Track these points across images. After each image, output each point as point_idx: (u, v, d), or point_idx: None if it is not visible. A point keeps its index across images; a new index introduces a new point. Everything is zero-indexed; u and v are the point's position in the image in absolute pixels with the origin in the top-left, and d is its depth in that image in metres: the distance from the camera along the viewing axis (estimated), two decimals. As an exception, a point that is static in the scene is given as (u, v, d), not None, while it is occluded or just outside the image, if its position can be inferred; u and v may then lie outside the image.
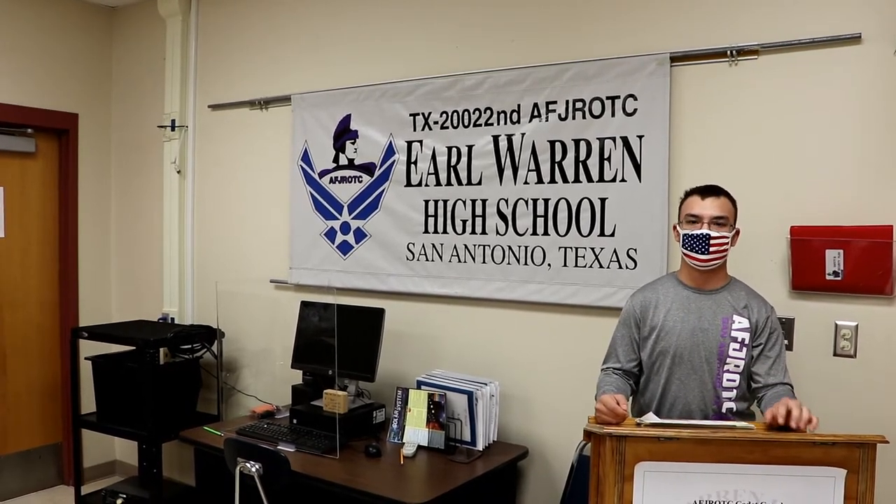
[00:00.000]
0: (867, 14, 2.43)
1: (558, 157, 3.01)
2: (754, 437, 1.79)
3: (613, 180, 2.89)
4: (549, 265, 3.04)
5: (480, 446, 2.93)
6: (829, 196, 2.51)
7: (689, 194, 2.32)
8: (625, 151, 2.86)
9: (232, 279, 4.04)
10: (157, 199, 4.39)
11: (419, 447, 2.94)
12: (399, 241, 3.44)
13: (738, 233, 2.29)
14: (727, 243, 2.24)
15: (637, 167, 2.84)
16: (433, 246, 3.34)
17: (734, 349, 2.24)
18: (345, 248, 3.63)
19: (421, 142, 3.36)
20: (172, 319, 4.25)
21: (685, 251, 2.27)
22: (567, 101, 2.98)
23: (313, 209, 3.73)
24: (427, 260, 3.36)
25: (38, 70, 4.32)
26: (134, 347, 3.78)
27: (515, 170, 3.11)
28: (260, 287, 3.98)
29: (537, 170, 3.05)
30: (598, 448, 1.86)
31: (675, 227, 2.35)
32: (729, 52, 2.65)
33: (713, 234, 2.20)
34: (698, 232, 2.21)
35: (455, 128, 3.26)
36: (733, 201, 2.29)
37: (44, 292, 4.48)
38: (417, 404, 3.01)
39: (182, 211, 4.28)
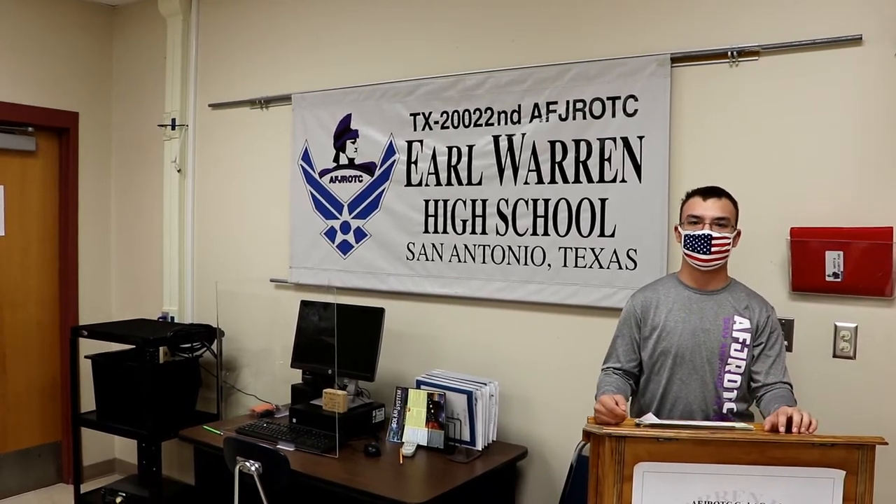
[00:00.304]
0: (868, 15, 2.43)
1: (559, 158, 3.01)
2: (753, 438, 1.80)
3: (614, 181, 2.89)
4: (549, 265, 3.04)
5: (480, 446, 2.94)
6: (829, 197, 2.51)
7: (690, 195, 2.32)
8: (625, 152, 2.86)
9: (232, 278, 4.04)
10: (158, 198, 4.39)
11: (418, 447, 2.94)
12: (399, 241, 3.44)
13: (739, 234, 2.30)
14: (729, 244, 2.24)
15: (637, 168, 2.84)
16: (433, 246, 3.34)
17: (735, 349, 2.24)
18: (345, 248, 3.63)
19: (421, 142, 3.36)
20: (172, 318, 4.25)
21: (687, 252, 2.28)
22: (567, 102, 2.98)
23: (313, 208, 3.73)
24: (427, 260, 3.36)
25: (38, 69, 4.32)
26: (134, 346, 3.78)
27: (516, 170, 3.11)
28: (260, 286, 3.98)
29: (537, 170, 3.05)
30: (598, 448, 1.87)
31: (676, 228, 2.36)
32: (729, 53, 2.65)
33: (715, 234, 2.21)
34: (700, 232, 2.22)
35: (455, 128, 3.26)
36: (735, 203, 2.30)
37: (44, 291, 4.48)
38: (417, 404, 3.01)
39: (182, 210, 4.28)
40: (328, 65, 3.72)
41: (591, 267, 2.95)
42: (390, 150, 3.46)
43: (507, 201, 3.13)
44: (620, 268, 2.89)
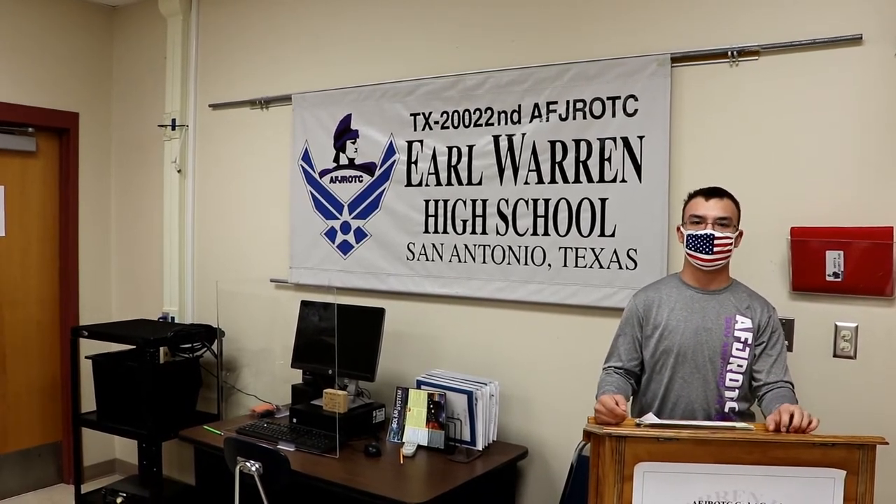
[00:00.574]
0: (868, 15, 2.43)
1: (559, 158, 3.01)
2: (754, 437, 1.79)
3: (614, 181, 2.89)
4: (549, 265, 3.04)
5: (480, 446, 2.94)
6: (829, 197, 2.51)
7: (692, 196, 2.33)
8: (625, 152, 2.86)
9: (232, 278, 4.04)
10: (158, 199, 4.39)
11: (419, 447, 2.94)
12: (399, 241, 3.44)
13: (741, 234, 2.31)
14: (731, 244, 2.25)
15: (637, 167, 2.84)
16: (433, 246, 3.34)
17: (737, 349, 2.25)
18: (345, 248, 3.63)
19: (421, 142, 3.36)
20: (173, 318, 4.25)
21: (689, 251, 2.28)
22: (568, 102, 2.98)
23: (313, 209, 3.73)
24: (427, 260, 3.36)
25: (38, 69, 4.32)
26: (134, 346, 3.78)
27: (516, 170, 3.11)
28: (260, 286, 3.98)
29: (538, 170, 3.05)
30: (598, 448, 1.87)
31: (678, 229, 2.37)
32: (729, 53, 2.65)
33: (717, 234, 2.21)
34: (702, 232, 2.23)
35: (455, 128, 3.26)
36: (737, 203, 2.30)
37: (44, 291, 4.48)
38: (417, 404, 3.01)
39: (182, 210, 4.28)
40: (328, 65, 3.72)
41: (591, 267, 2.95)
42: (390, 150, 3.46)
43: (507, 201, 3.13)
44: (621, 268, 2.88)
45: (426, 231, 3.35)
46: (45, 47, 4.33)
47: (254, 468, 2.65)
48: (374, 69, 3.53)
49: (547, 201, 3.04)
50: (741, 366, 2.25)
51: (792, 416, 1.88)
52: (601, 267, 2.93)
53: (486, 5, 3.21)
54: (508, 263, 3.14)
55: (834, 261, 2.45)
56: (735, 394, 2.26)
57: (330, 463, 2.80)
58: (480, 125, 3.19)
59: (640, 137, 2.83)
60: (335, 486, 2.62)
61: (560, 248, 3.01)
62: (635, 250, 2.85)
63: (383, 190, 3.49)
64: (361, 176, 3.56)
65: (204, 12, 4.24)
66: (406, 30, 3.46)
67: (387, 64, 3.50)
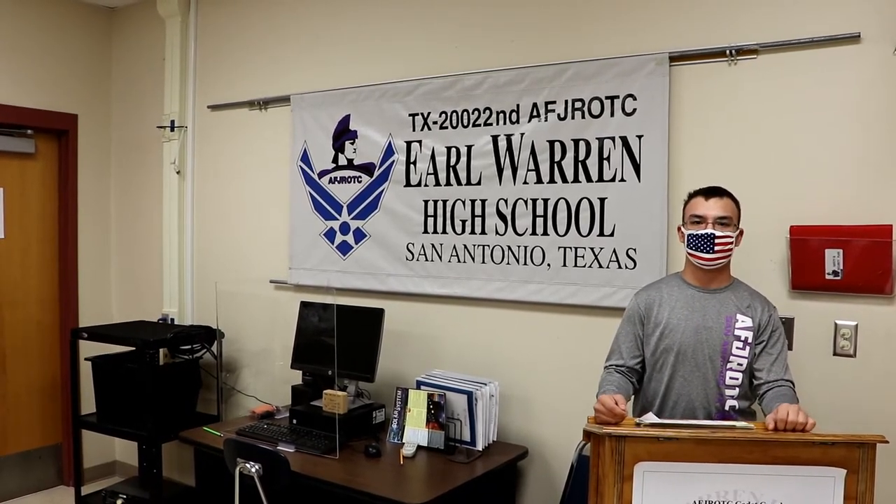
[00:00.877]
0: (867, 13, 2.42)
1: (557, 157, 3.00)
2: (753, 437, 1.79)
3: (613, 180, 2.89)
4: (548, 265, 3.04)
5: (480, 446, 2.93)
6: (828, 195, 2.50)
7: (692, 196, 2.34)
8: (624, 151, 2.86)
9: (232, 279, 4.04)
10: (157, 200, 4.38)
11: (419, 447, 2.94)
12: (398, 242, 3.44)
13: (741, 233, 2.31)
14: (731, 243, 2.26)
15: (636, 167, 2.83)
16: (433, 246, 3.34)
17: (737, 347, 2.25)
18: (344, 249, 3.63)
19: (420, 142, 3.36)
20: (172, 320, 4.25)
21: (690, 251, 2.29)
22: (566, 101, 2.98)
23: (312, 209, 3.73)
24: (427, 260, 3.36)
25: (37, 71, 4.32)
26: (134, 348, 3.77)
27: (515, 170, 3.10)
28: (260, 287, 3.98)
29: (536, 170, 3.05)
30: (598, 448, 1.87)
31: (679, 229, 2.37)
32: (728, 52, 2.64)
33: (717, 233, 2.22)
34: (703, 232, 2.24)
35: (454, 128, 3.26)
36: (737, 202, 2.31)
37: (44, 292, 4.48)
38: (417, 404, 3.01)
39: (182, 211, 4.28)
40: (327, 65, 3.71)
41: (590, 266, 2.95)
42: (389, 151, 3.45)
43: (506, 201, 3.13)
44: (620, 267, 2.88)
45: (425, 231, 3.35)
46: (43, 49, 4.33)
47: (254, 469, 2.65)
48: (372, 69, 3.53)
49: (546, 201, 3.04)
50: (741, 364, 2.26)
51: (788, 414, 1.88)
52: (600, 266, 2.92)
53: (485, 5, 3.21)
54: (508, 263, 3.14)
55: (833, 259, 2.45)
56: (735, 392, 2.26)
57: (330, 464, 2.80)
58: (479, 125, 3.19)
59: (639, 137, 2.82)
60: (335, 487, 2.62)
61: (559, 247, 3.01)
62: (634, 249, 2.85)
63: (382, 190, 3.48)
64: (360, 176, 3.56)
65: (202, 13, 4.24)
66: (405, 30, 3.46)
67: (385, 64, 3.50)
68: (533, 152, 3.06)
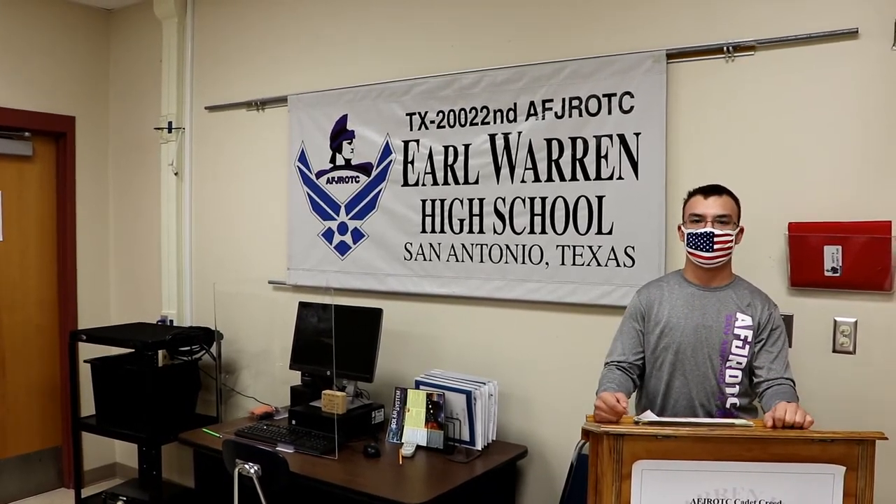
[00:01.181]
0: (864, 9, 2.41)
1: (555, 156, 3.00)
2: (752, 434, 1.78)
3: (610, 178, 2.88)
4: (546, 264, 3.03)
5: (479, 446, 2.93)
6: (827, 192, 2.50)
7: (692, 194, 2.34)
8: (622, 149, 2.85)
9: (230, 280, 4.03)
10: (155, 201, 4.38)
11: (418, 447, 2.93)
12: (397, 241, 3.43)
13: (742, 231, 2.31)
14: (731, 241, 2.25)
15: (634, 165, 2.83)
16: (431, 245, 3.33)
17: (737, 346, 2.25)
18: (342, 249, 3.62)
19: (417, 141, 3.35)
20: (171, 321, 4.24)
21: (690, 250, 2.29)
22: (563, 100, 2.97)
23: (310, 210, 3.72)
24: (425, 260, 3.35)
25: (34, 73, 4.31)
26: (133, 350, 3.76)
27: (512, 168, 3.10)
28: (258, 288, 3.98)
29: (534, 168, 3.04)
30: (596, 447, 1.86)
31: (679, 228, 2.37)
32: (725, 49, 2.63)
33: (717, 232, 2.22)
34: (702, 230, 2.24)
35: (452, 127, 3.25)
36: (736, 200, 2.30)
37: (43, 295, 4.48)
38: (416, 404, 3.00)
39: (180, 213, 4.27)
40: (324, 65, 3.71)
41: (588, 265, 2.94)
42: (387, 150, 3.45)
43: (504, 200, 3.12)
44: (618, 265, 2.87)
45: (423, 231, 3.35)
46: (41, 51, 4.33)
47: (252, 470, 2.65)
48: (369, 69, 3.53)
49: (544, 199, 3.03)
50: (740, 363, 2.26)
51: (786, 412, 1.87)
52: (599, 265, 2.92)
53: (482, 4, 3.20)
54: (506, 262, 3.13)
55: (832, 256, 2.44)
56: (736, 390, 2.26)
57: (329, 464, 2.79)
58: (476, 124, 3.19)
59: (637, 134, 2.82)
60: (334, 488, 2.61)
61: (557, 246, 3.00)
62: (633, 247, 2.84)
63: (380, 190, 3.48)
64: (358, 176, 3.55)
65: (199, 14, 4.23)
66: (401, 29, 3.45)
67: (382, 64, 3.49)
68: (530, 151, 3.05)
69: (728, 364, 2.25)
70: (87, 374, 3.90)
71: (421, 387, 3.03)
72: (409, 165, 3.38)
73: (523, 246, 3.09)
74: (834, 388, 2.48)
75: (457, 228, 3.25)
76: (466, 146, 3.21)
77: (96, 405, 3.90)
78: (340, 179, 3.62)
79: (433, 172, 3.31)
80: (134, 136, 4.54)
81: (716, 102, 2.68)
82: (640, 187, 2.82)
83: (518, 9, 3.11)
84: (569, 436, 2.76)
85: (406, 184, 3.39)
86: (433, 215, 3.32)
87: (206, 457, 3.09)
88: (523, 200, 3.08)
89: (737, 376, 2.25)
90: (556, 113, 2.99)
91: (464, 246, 3.24)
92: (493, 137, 3.14)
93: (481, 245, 3.19)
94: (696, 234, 2.25)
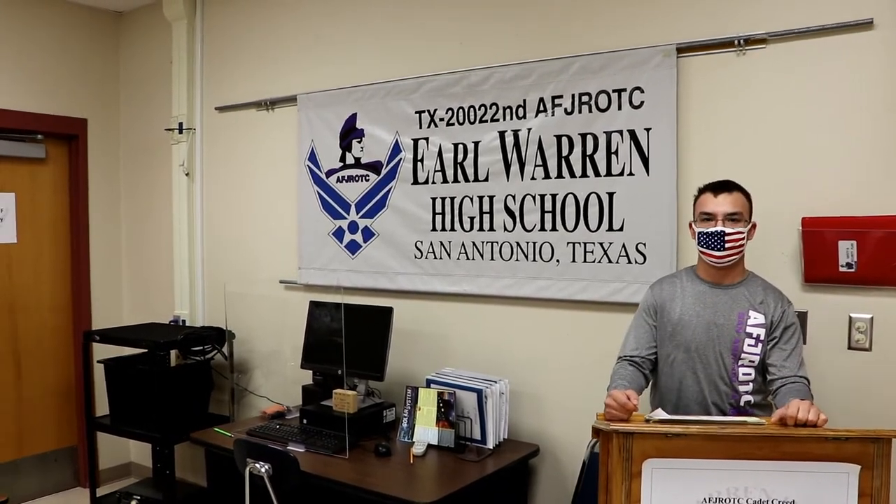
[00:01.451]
0: (879, -1, 2.37)
1: (565, 152, 2.97)
2: (764, 432, 1.76)
3: (621, 174, 2.85)
4: (557, 261, 3.01)
5: (491, 444, 2.91)
6: (841, 186, 2.45)
7: (701, 191, 2.31)
8: (632, 145, 2.82)
9: (242, 280, 4.04)
10: (167, 202, 4.40)
11: (429, 446, 2.92)
12: (407, 240, 3.42)
13: (754, 226, 2.28)
14: (743, 239, 2.22)
15: (645, 160, 2.80)
16: (441, 244, 3.32)
17: (749, 345, 2.23)
18: (353, 248, 3.62)
19: (427, 139, 3.34)
20: (184, 321, 4.26)
21: (701, 249, 2.27)
22: (573, 95, 2.94)
23: (321, 209, 3.72)
24: (435, 258, 3.34)
25: (46, 76, 4.34)
26: (146, 350, 3.78)
27: (522, 165, 3.08)
28: (269, 288, 3.98)
29: (544, 165, 3.02)
30: (607, 445, 1.84)
31: (690, 225, 2.34)
32: (736, 42, 2.60)
33: (728, 230, 2.19)
34: (713, 229, 2.21)
35: (461, 124, 3.24)
36: (747, 195, 2.27)
37: (57, 296, 4.51)
38: (427, 403, 2.99)
39: (191, 213, 4.29)
40: (333, 64, 3.70)
41: (599, 262, 2.91)
42: (396, 149, 3.44)
43: (514, 197, 3.11)
44: (630, 262, 2.85)
45: (433, 229, 3.33)
46: (52, 54, 4.36)
47: (263, 469, 2.65)
48: (378, 67, 3.52)
49: (554, 196, 3.01)
50: (753, 361, 2.23)
51: (799, 410, 1.84)
52: (610, 262, 2.89)
53: (490, 3, 3.18)
54: (517, 260, 3.11)
55: (847, 251, 2.40)
56: (750, 387, 2.24)
57: (340, 463, 2.79)
58: (486, 121, 3.17)
59: (647, 130, 2.79)
60: (345, 487, 2.61)
61: (568, 243, 2.98)
62: (644, 244, 2.82)
63: (390, 188, 3.47)
64: (368, 175, 3.54)
65: (208, 15, 4.24)
66: (410, 27, 3.44)
67: (391, 62, 3.48)
68: (540, 147, 3.03)
69: (740, 362, 2.23)
70: (102, 374, 3.91)
71: (432, 385, 3.02)
72: (419, 163, 3.37)
73: (534, 243, 3.07)
74: (850, 385, 2.45)
75: (467, 226, 3.24)
76: (476, 143, 3.20)
77: (110, 405, 3.92)
78: (350, 178, 3.61)
79: (443, 170, 3.29)
80: (145, 138, 4.56)
81: (727, 97, 2.65)
82: (650, 183, 2.79)
83: (526, 5, 3.09)
84: (581, 434, 2.72)
85: (416, 182, 3.38)
86: (443, 213, 3.30)
87: (217, 456, 3.09)
88: (533, 198, 3.06)
89: (750, 374, 2.23)
90: (565, 109, 2.96)
91: (474, 244, 3.22)
92: (502, 134, 3.12)
93: (491, 243, 3.18)
94: (707, 233, 2.22)
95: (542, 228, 3.04)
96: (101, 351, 3.99)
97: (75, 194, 4.52)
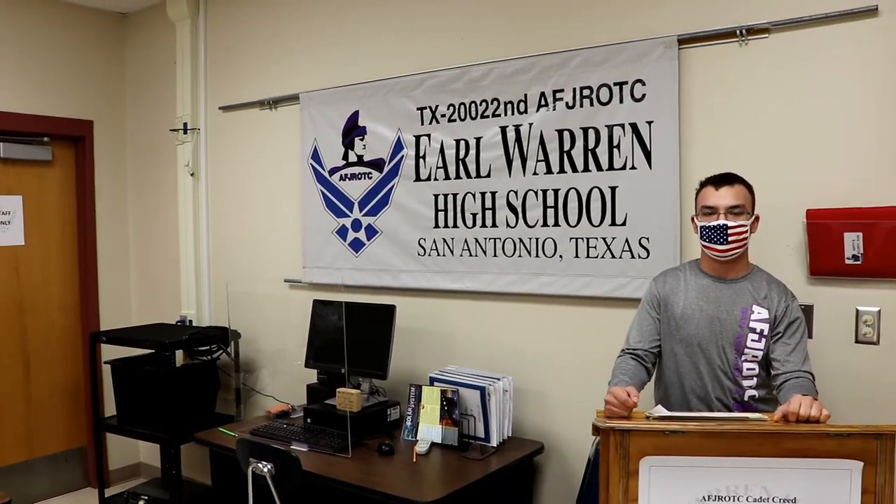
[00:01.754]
0: (883, -15, 2.33)
1: (567, 147, 2.94)
2: (764, 429, 1.72)
3: (623, 168, 2.82)
4: (560, 257, 2.98)
5: (494, 442, 2.89)
6: (846, 177, 2.41)
7: (703, 185, 2.28)
8: (634, 138, 2.79)
9: (245, 279, 4.04)
10: (173, 203, 4.40)
11: (433, 444, 2.91)
12: (410, 237, 3.40)
13: (757, 219, 2.24)
14: (746, 232, 2.19)
15: (647, 154, 2.76)
16: (444, 241, 3.30)
17: (752, 339, 2.20)
18: (357, 246, 3.60)
19: (429, 135, 3.32)
20: (190, 321, 4.27)
21: (704, 243, 2.24)
22: (574, 89, 2.91)
23: (324, 207, 3.71)
24: (438, 255, 3.32)
25: (52, 79, 4.36)
26: (152, 350, 3.79)
27: (524, 161, 3.05)
28: (274, 287, 3.98)
29: (546, 160, 2.99)
30: (606, 443, 1.81)
31: (692, 219, 2.32)
32: (738, 32, 2.56)
33: (730, 223, 2.16)
34: (715, 223, 2.18)
35: (462, 120, 3.22)
36: (749, 188, 2.24)
37: (65, 297, 4.53)
38: (431, 401, 2.97)
39: (196, 213, 4.29)
40: (335, 62, 3.69)
41: (603, 257, 2.88)
42: (398, 146, 3.42)
43: (516, 193, 3.08)
44: (633, 257, 2.81)
45: (436, 226, 3.31)
46: (57, 57, 4.37)
47: (265, 469, 2.64)
48: (380, 64, 3.50)
49: (556, 191, 2.98)
50: (756, 356, 2.20)
51: (801, 406, 1.80)
52: (613, 257, 2.86)
53: (490, -6, 3.16)
54: (520, 256, 3.09)
55: (853, 243, 2.36)
56: (754, 382, 2.21)
57: (342, 463, 2.78)
58: (487, 116, 3.14)
59: (649, 123, 2.75)
60: (347, 486, 2.60)
61: (571, 238, 2.95)
62: (647, 238, 2.78)
63: (393, 186, 3.45)
64: (370, 172, 3.53)
65: (211, 15, 4.24)
66: (411, 24, 3.42)
67: (392, 59, 3.46)
68: (542, 142, 3.00)
69: (744, 357, 2.21)
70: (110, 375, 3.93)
71: (435, 383, 3.00)
72: (421, 160, 3.35)
73: (536, 239, 3.04)
74: (857, 379, 2.40)
75: (469, 223, 3.21)
76: (478, 139, 3.17)
77: (117, 406, 3.94)
78: (353, 176, 3.60)
79: (445, 167, 3.27)
80: (151, 139, 4.57)
81: (730, 88, 2.61)
82: (653, 177, 2.75)
83: (527, -2, 3.06)
84: (586, 431, 2.63)
85: (418, 179, 3.36)
86: (446, 210, 3.28)
87: (222, 456, 3.09)
88: (536, 193, 3.03)
89: (753, 369, 2.20)
90: (566, 103, 2.93)
91: (477, 240, 3.20)
92: (504, 130, 3.10)
93: (494, 239, 3.15)
94: (710, 226, 2.19)
95: (545, 224, 3.01)
96: (111, 352, 4.00)
97: (82, 196, 4.54)
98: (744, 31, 2.55)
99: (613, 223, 2.85)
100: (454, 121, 3.24)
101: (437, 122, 3.29)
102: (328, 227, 3.70)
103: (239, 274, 4.10)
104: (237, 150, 4.14)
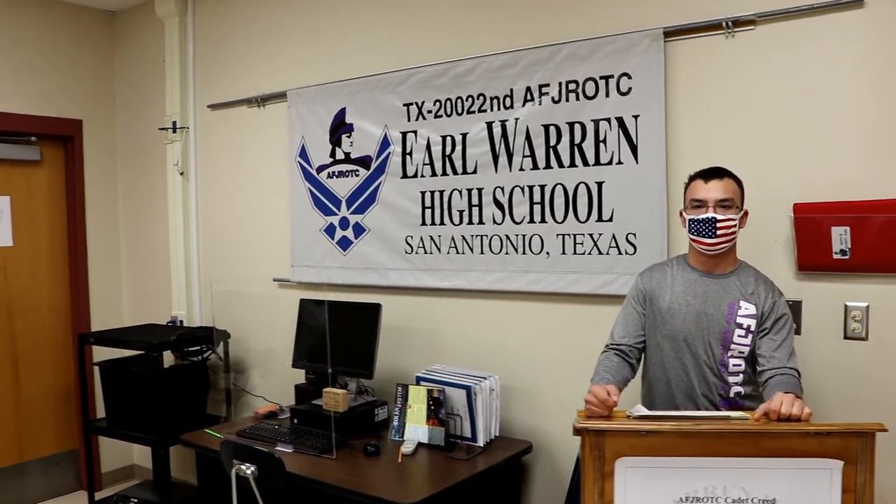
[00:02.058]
0: (869, -26, 2.28)
1: (553, 142, 2.90)
2: (742, 428, 1.68)
3: (610, 163, 2.78)
4: (547, 253, 2.94)
5: (481, 442, 2.85)
6: (834, 171, 2.37)
7: (692, 178, 2.26)
8: (620, 132, 2.75)
9: (236, 279, 4.01)
10: (163, 202, 4.37)
11: (419, 445, 2.87)
12: (397, 235, 3.37)
13: (746, 214, 2.22)
14: (734, 226, 2.17)
15: (633, 148, 2.72)
16: (431, 238, 3.26)
17: (739, 335, 2.17)
18: (344, 244, 3.57)
19: (415, 132, 3.28)
20: (181, 322, 4.24)
21: (692, 236, 2.21)
22: (560, 84, 2.87)
23: (312, 205, 3.67)
24: (425, 253, 3.28)
25: (40, 78, 4.33)
26: (142, 351, 3.76)
27: (510, 156, 3.01)
28: (263, 286, 3.95)
29: (532, 155, 2.95)
30: (584, 443, 1.77)
31: (681, 213, 2.29)
32: (724, 24, 2.52)
33: (719, 217, 2.14)
34: (704, 216, 2.16)
35: (448, 116, 3.18)
36: (739, 182, 2.21)
37: (55, 299, 4.50)
38: (417, 400, 2.94)
39: (186, 212, 4.26)
40: (322, 59, 3.65)
41: (590, 253, 2.84)
42: (385, 143, 3.38)
43: (502, 189, 3.04)
44: (620, 253, 2.78)
45: (423, 223, 3.28)
46: (45, 56, 4.34)
47: (248, 471, 2.60)
48: (367, 61, 3.46)
49: (543, 187, 2.94)
50: (742, 352, 2.18)
51: (782, 404, 1.77)
52: (600, 253, 2.82)
53: (475, -11, 3.12)
54: (507, 253, 3.05)
55: (840, 237, 2.31)
56: (740, 378, 2.19)
57: (327, 464, 2.74)
58: (473, 112, 3.11)
59: (636, 117, 2.71)
60: (330, 488, 2.56)
61: (558, 234, 2.91)
62: (634, 234, 2.74)
63: (379, 183, 3.42)
64: (358, 170, 3.49)
65: (200, 13, 4.20)
66: (397, 19, 3.38)
67: (379, 54, 3.43)
68: (528, 137, 2.96)
69: (730, 353, 2.18)
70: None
71: (421, 383, 2.97)
72: (408, 157, 3.31)
73: (523, 236, 3.00)
74: (846, 376, 2.36)
75: (456, 220, 3.18)
76: (464, 135, 3.14)
77: (106, 408, 3.91)
78: (341, 174, 3.56)
79: (431, 163, 3.24)
80: (140, 138, 4.54)
81: (716, 80, 2.57)
82: (640, 172, 2.72)
83: (512, -8, 3.02)
84: None
85: (405, 176, 3.33)
86: (432, 207, 3.25)
87: (208, 458, 3.06)
88: (522, 189, 2.99)
89: (740, 365, 2.18)
90: (552, 98, 2.89)
91: (464, 237, 3.16)
92: (490, 125, 3.06)
93: (481, 236, 3.11)
94: (698, 219, 2.16)
95: (532, 220, 2.97)
96: (103, 353, 3.97)
97: (71, 196, 4.51)
98: (730, 23, 2.51)
99: (600, 219, 2.81)
100: (440, 117, 3.20)
101: (424, 118, 3.25)
102: (316, 226, 3.67)
103: (229, 274, 4.07)
104: (226, 149, 4.11)
